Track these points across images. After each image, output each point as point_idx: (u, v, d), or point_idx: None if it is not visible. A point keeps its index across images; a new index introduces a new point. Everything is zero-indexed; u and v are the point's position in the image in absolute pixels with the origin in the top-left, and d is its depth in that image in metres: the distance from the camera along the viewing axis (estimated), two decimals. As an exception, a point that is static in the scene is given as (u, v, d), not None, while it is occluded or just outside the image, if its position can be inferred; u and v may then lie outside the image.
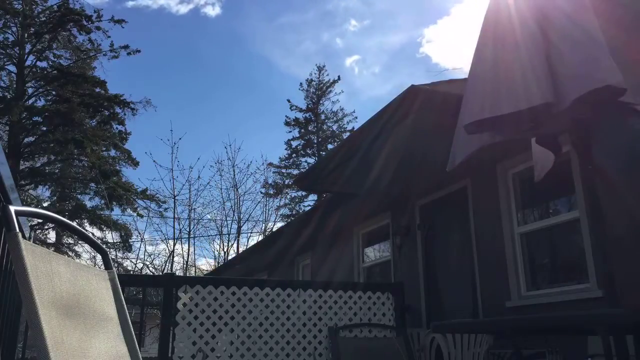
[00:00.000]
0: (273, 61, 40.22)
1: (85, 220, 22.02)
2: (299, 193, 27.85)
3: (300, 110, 30.39)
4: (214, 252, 25.81)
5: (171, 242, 20.33)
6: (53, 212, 1.63)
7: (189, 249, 21.85)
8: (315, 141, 29.89)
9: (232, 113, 40.27)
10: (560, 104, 1.79)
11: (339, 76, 31.22)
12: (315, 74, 30.84)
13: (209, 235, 22.75)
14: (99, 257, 1.86)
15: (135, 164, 23.47)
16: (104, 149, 22.97)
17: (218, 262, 22.16)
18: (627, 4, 1.93)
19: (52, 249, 20.59)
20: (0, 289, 2.67)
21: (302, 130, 30.33)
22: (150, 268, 20.57)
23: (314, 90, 30.64)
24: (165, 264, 20.43)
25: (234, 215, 22.92)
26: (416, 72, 40.18)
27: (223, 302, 4.93)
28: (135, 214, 22.49)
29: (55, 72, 22.09)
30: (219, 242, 23.13)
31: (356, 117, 29.74)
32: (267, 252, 11.99)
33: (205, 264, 24.01)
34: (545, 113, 1.93)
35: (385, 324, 5.49)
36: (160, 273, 19.79)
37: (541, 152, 2.45)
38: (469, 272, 6.14)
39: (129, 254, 22.14)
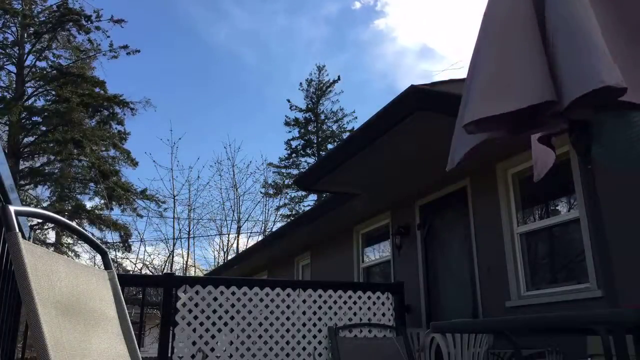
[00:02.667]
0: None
1: (85, 220, 22.02)
2: (299, 193, 27.85)
3: (300, 110, 30.37)
4: (213, 253, 25.83)
5: (171, 242, 20.34)
6: (53, 212, 1.63)
7: (188, 249, 21.87)
8: (315, 141, 29.86)
9: (231, 113, 40.35)
10: (560, 103, 1.79)
11: (339, 76, 31.17)
12: (315, 73, 30.84)
13: (208, 235, 22.77)
14: (98, 257, 1.86)
15: (134, 164, 23.49)
16: (104, 148, 22.99)
17: (217, 263, 22.18)
18: (626, 3, 1.93)
19: (52, 249, 20.59)
20: (0, 289, 2.67)
21: (302, 130, 30.31)
22: (150, 268, 20.57)
23: (314, 90, 30.62)
24: (165, 264, 20.43)
25: (233, 215, 22.95)
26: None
27: (223, 302, 4.93)
28: (135, 214, 22.52)
29: (54, 72, 22.10)
30: (218, 242, 23.14)
31: (356, 117, 29.74)
32: (267, 252, 11.99)
33: (205, 264, 24.02)
34: (546, 112, 1.93)
35: (385, 324, 5.49)
36: (160, 273, 19.78)
37: (541, 152, 2.45)
38: (468, 272, 6.15)
39: (129, 254, 22.15)
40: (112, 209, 21.99)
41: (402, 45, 39.87)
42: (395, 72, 42.15)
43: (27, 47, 22.25)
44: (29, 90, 22.23)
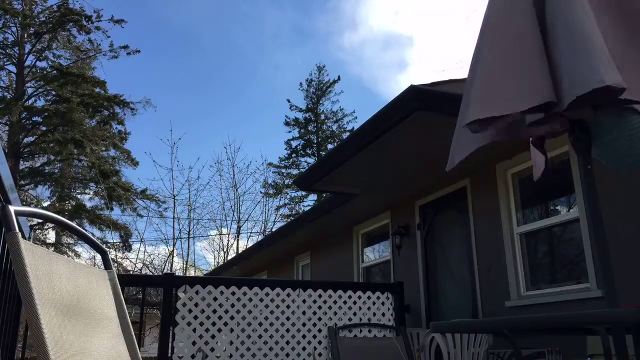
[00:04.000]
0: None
1: (85, 220, 22.01)
2: (299, 193, 27.86)
3: (300, 110, 30.40)
4: (213, 253, 25.85)
5: (171, 242, 20.34)
6: (53, 212, 1.63)
7: (188, 249, 21.89)
8: (315, 141, 29.87)
9: (231, 113, 40.37)
10: (560, 103, 1.80)
11: (339, 76, 31.21)
12: (315, 74, 30.86)
13: (208, 235, 22.78)
14: (98, 257, 1.86)
15: (135, 163, 23.49)
16: (104, 148, 22.97)
17: (217, 263, 22.18)
18: (625, 3, 1.93)
19: (52, 249, 20.58)
20: (0, 289, 2.67)
21: (302, 130, 30.33)
22: (150, 268, 20.57)
23: (314, 90, 30.64)
24: (165, 264, 20.44)
25: (233, 215, 22.96)
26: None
27: (223, 302, 4.94)
28: (135, 214, 22.52)
29: (54, 72, 22.08)
30: (218, 242, 23.15)
31: (356, 117, 29.77)
32: (267, 252, 11.99)
33: (205, 264, 24.03)
34: (546, 112, 1.93)
35: (384, 323, 5.49)
36: (160, 273, 19.78)
37: (539, 152, 2.45)
38: (468, 271, 6.15)
39: (129, 254, 22.15)
40: (112, 209, 21.99)
41: (368, 32, 39.57)
42: (361, 60, 41.88)
43: (27, 47, 22.24)
44: (29, 90, 22.22)
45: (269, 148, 50.69)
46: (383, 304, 5.56)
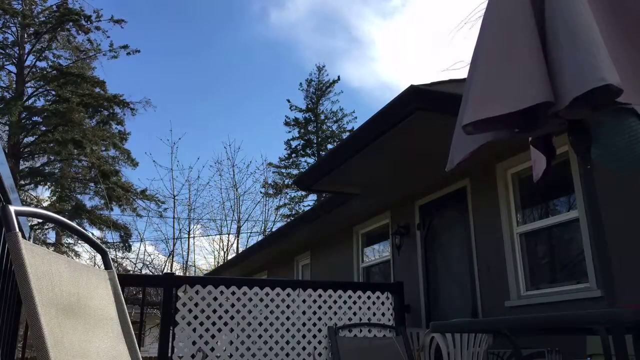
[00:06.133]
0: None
1: (85, 220, 22.02)
2: (299, 193, 27.85)
3: (300, 110, 30.39)
4: (213, 252, 25.87)
5: (171, 242, 20.34)
6: (53, 212, 1.63)
7: (188, 249, 21.90)
8: (315, 141, 29.87)
9: (231, 112, 40.36)
10: (558, 103, 1.80)
11: (338, 76, 31.25)
12: (314, 74, 30.86)
13: (208, 235, 22.79)
14: (98, 257, 1.86)
15: (134, 164, 23.50)
16: (104, 149, 22.99)
17: (217, 263, 22.18)
18: (625, 3, 1.93)
19: (52, 249, 20.58)
20: (0, 289, 2.67)
21: (302, 130, 30.32)
22: (150, 268, 20.57)
23: (314, 90, 30.63)
24: (165, 264, 20.44)
25: (233, 215, 22.97)
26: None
27: (223, 302, 4.94)
28: (134, 214, 22.52)
29: (54, 72, 22.09)
30: (218, 242, 23.15)
31: (356, 117, 29.76)
32: (267, 252, 11.99)
33: (205, 264, 24.03)
34: (544, 113, 1.93)
35: (384, 323, 5.49)
36: (160, 273, 19.78)
37: (539, 152, 2.45)
38: (468, 271, 6.15)
39: (129, 254, 22.15)
40: (112, 209, 22.00)
41: (299, 13, 38.73)
42: (297, 42, 40.84)
43: (27, 47, 22.25)
44: (29, 90, 22.23)
45: (269, 148, 50.73)
46: (383, 303, 5.56)
